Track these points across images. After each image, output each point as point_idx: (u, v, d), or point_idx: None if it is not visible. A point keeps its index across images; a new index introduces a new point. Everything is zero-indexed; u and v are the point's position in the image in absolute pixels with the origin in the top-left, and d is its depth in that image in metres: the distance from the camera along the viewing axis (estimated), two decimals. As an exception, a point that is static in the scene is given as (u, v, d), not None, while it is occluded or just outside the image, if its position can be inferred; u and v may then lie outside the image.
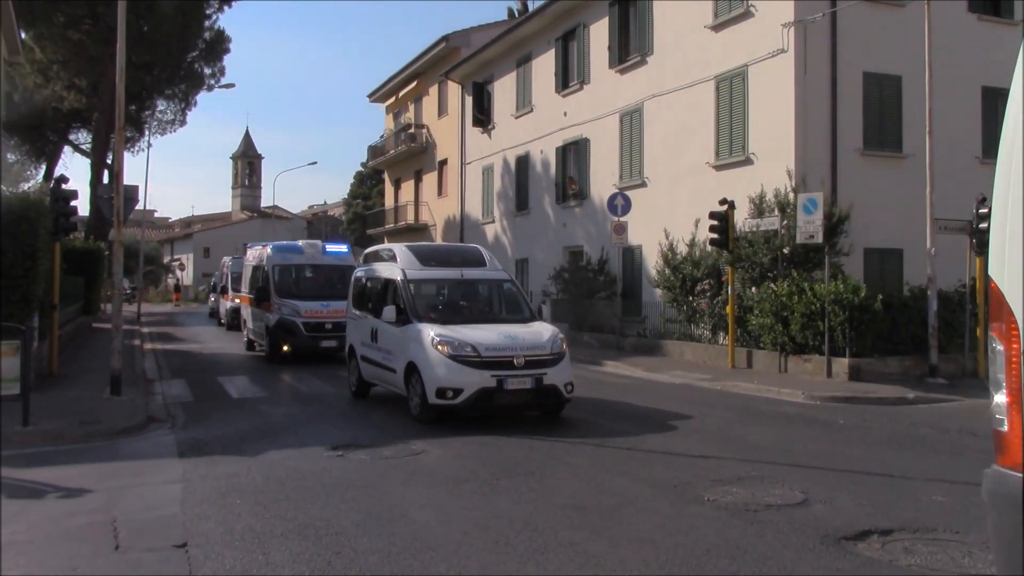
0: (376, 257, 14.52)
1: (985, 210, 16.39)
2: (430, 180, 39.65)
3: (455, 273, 13.00)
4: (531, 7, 36.15)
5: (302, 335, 19.01)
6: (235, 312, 28.62)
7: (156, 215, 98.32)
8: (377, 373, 13.16)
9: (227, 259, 34.88)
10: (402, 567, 5.74)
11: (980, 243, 16.48)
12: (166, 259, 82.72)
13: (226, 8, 34.96)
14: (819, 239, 15.91)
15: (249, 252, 24.15)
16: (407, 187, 42.65)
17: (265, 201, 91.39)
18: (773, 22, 18.72)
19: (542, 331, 11.86)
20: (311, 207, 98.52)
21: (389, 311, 12.05)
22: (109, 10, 24.33)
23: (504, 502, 7.47)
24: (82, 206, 25.98)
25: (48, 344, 15.75)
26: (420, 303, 12.31)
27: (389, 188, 46.04)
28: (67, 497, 7.69)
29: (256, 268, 22.23)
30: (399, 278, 12.58)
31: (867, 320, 15.56)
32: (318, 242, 22.30)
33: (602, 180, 25.44)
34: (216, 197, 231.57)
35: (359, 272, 14.93)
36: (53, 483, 8.13)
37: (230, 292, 31.06)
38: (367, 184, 66.81)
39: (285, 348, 19.12)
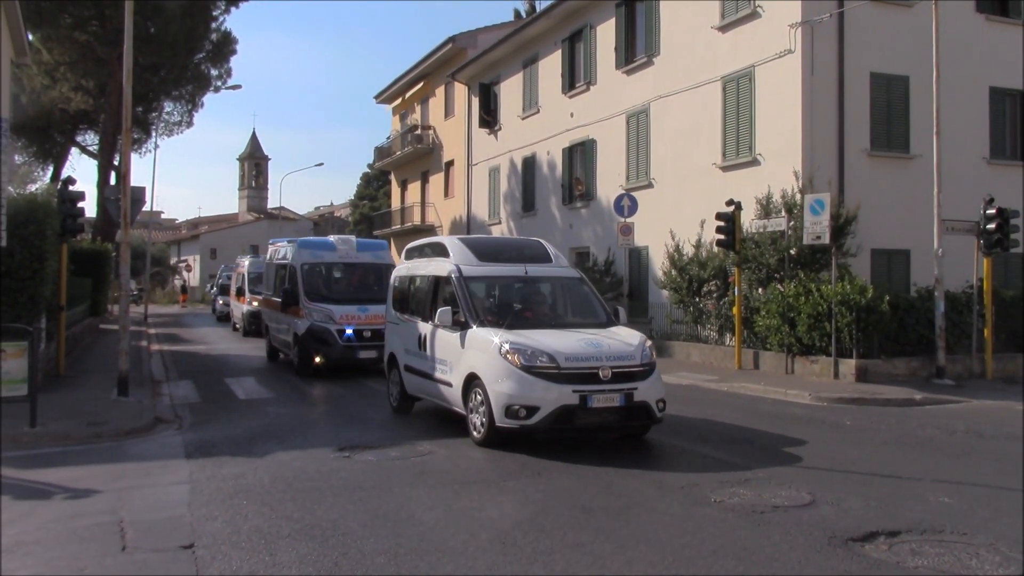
0: (421, 252, 12.98)
1: (992, 211, 16.36)
2: (436, 181, 39.68)
3: (517, 270, 11.40)
4: (539, 8, 36.17)
5: (336, 345, 16.65)
6: (253, 317, 26.83)
7: (163, 216, 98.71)
8: (425, 386, 11.61)
9: (244, 258, 32.27)
10: (409, 568, 5.74)
11: (987, 244, 16.45)
12: (173, 260, 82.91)
13: (233, 9, 35.03)
14: (826, 240, 15.87)
15: (272, 249, 22.02)
16: (413, 188, 42.69)
17: (272, 202, 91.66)
18: (780, 23, 18.70)
19: (628, 337, 10.21)
20: (317, 208, 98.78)
21: (444, 314, 10.49)
22: (116, 12, 24.45)
23: (511, 503, 7.46)
24: (89, 207, 26.04)
25: (55, 345, 15.80)
26: (479, 304, 10.75)
27: (396, 189, 46.09)
28: (74, 498, 7.70)
29: (281, 267, 19.83)
30: (453, 276, 11.03)
31: (874, 321, 15.52)
32: (351, 237, 19.91)
33: (609, 181, 25.43)
34: (223, 198, 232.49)
35: (400, 270, 13.28)
36: (60, 484, 8.15)
37: (247, 294, 28.61)
38: (373, 185, 66.89)
39: (317, 360, 16.93)
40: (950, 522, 6.87)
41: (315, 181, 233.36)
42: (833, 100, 18.55)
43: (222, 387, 15.67)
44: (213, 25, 34.50)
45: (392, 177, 47.06)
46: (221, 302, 38.68)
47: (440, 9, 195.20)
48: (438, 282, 11.52)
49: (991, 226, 16.33)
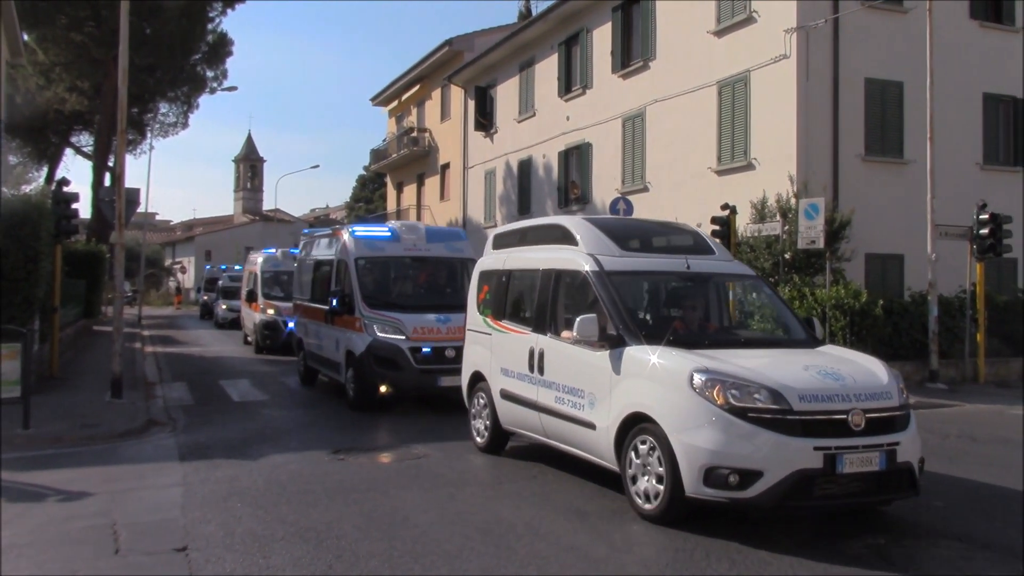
0: (523, 238, 9.92)
1: (986, 216, 16.43)
2: (432, 184, 39.68)
3: (676, 263, 8.46)
4: (535, 12, 36.22)
5: (410, 368, 12.51)
6: (270, 328, 22.01)
7: (158, 218, 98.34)
8: (534, 420, 8.74)
9: (258, 255, 25.35)
10: (403, 571, 5.74)
11: (981, 249, 16.51)
12: (167, 262, 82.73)
13: (229, 11, 35.01)
14: (820, 244, 15.91)
15: (305, 241, 17.89)
16: (409, 191, 42.70)
17: (267, 204, 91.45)
18: (776, 28, 18.74)
19: (866, 363, 7.37)
20: (313, 210, 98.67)
21: (588, 324, 7.52)
22: (112, 12, 24.44)
23: (506, 506, 7.47)
24: (84, 209, 26.12)
25: (49, 347, 15.76)
26: (630, 312, 7.84)
27: (391, 192, 46.08)
28: (68, 500, 7.69)
29: (322, 264, 15.72)
30: (589, 270, 8.09)
31: (868, 325, 15.57)
32: (418, 224, 15.86)
33: (604, 184, 25.45)
34: (218, 200, 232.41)
35: (488, 263, 10.37)
36: (54, 486, 8.13)
37: (261, 300, 22.74)
38: (369, 188, 66.94)
39: (383, 389, 12.84)
40: (942, 525, 6.90)
41: (311, 183, 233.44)
42: (828, 105, 18.59)
43: (216, 389, 15.63)
44: (209, 27, 34.48)
45: (388, 180, 47.06)
46: (224, 307, 33.54)
47: (437, 12, 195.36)
48: (559, 279, 8.65)
49: (984, 231, 16.40)
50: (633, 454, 7.07)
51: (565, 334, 8.22)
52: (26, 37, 27.01)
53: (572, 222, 8.99)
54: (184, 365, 20.01)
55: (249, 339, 24.62)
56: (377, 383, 12.80)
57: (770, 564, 5.93)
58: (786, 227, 17.24)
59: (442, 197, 38.47)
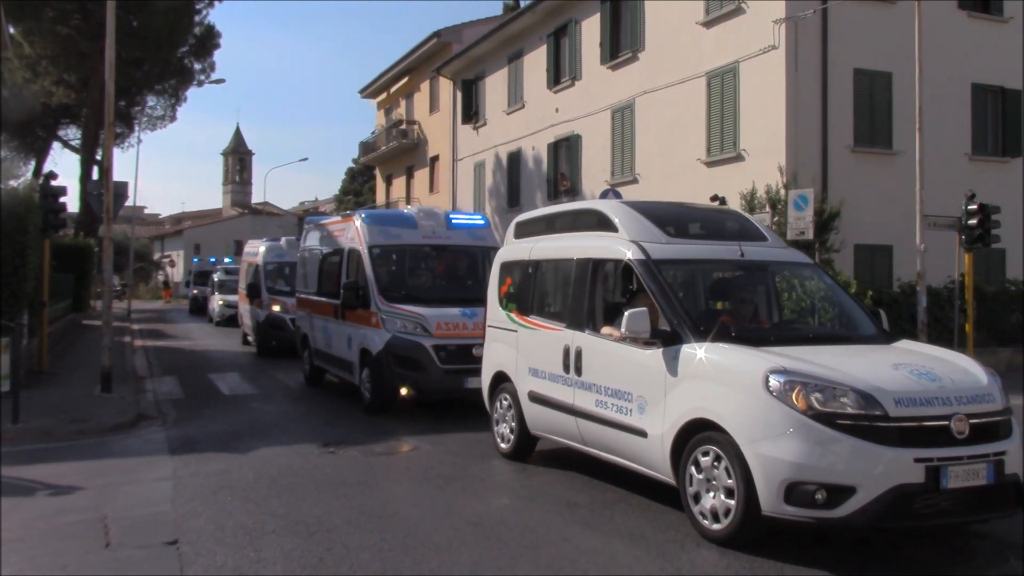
0: (550, 225, 9.11)
1: (974, 206, 16.49)
2: (422, 176, 39.61)
3: (728, 250, 7.68)
4: (523, 3, 36.14)
5: (434, 368, 11.38)
6: (274, 326, 19.72)
7: (146, 211, 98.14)
8: (571, 427, 7.93)
9: (258, 244, 22.79)
10: (394, 564, 5.75)
11: (969, 239, 16.57)
12: (156, 256, 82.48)
13: (216, 3, 35.00)
14: (810, 235, 15.94)
15: (308, 230, 16.47)
16: (399, 183, 42.61)
17: (256, 197, 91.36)
18: (764, 19, 18.74)
19: (960, 362, 6.57)
20: (302, 203, 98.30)
21: (638, 319, 6.70)
22: (98, 5, 24.24)
23: (496, 498, 7.49)
24: (71, 202, 25.93)
25: (38, 341, 15.70)
26: (684, 305, 7.08)
27: (380, 184, 45.98)
28: (57, 494, 7.67)
29: (330, 254, 14.52)
30: (634, 259, 7.29)
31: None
32: (437, 209, 14.53)
33: (594, 176, 25.44)
34: (207, 193, 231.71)
35: (511, 253, 9.52)
36: (43, 480, 8.11)
37: (265, 295, 20.43)
38: (358, 180, 66.73)
39: (404, 391, 11.59)
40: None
41: (299, 176, 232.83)
42: (817, 96, 18.63)
43: (206, 383, 15.60)
44: (196, 19, 34.36)
45: (377, 172, 46.94)
46: (221, 302, 30.55)
47: (425, 4, 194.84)
48: (596, 270, 7.86)
49: (973, 222, 16.45)
50: (694, 467, 6.26)
51: (606, 330, 7.49)
52: (12, 30, 26.85)
53: (610, 206, 8.14)
54: (174, 359, 19.96)
55: (250, 339, 22.21)
56: (397, 385, 11.53)
57: (763, 566, 5.93)
58: (775, 218, 17.27)
59: (431, 190, 38.41)
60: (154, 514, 7.01)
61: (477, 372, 10.22)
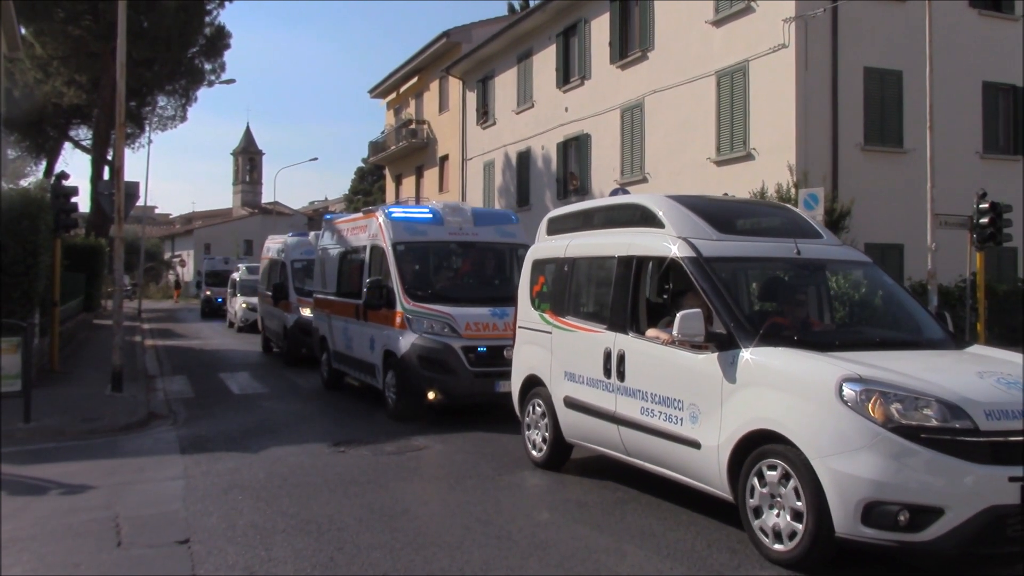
0: (587, 221, 8.62)
1: (985, 205, 16.42)
2: (431, 176, 39.63)
3: (784, 248, 7.16)
4: (532, 3, 36.13)
5: (464, 371, 10.85)
6: (306, 331, 17.12)
7: (157, 211, 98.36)
8: (612, 436, 7.46)
9: (280, 239, 21.29)
10: (404, 562, 5.75)
11: (980, 238, 16.49)
12: (167, 255, 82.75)
13: (227, 3, 35.03)
14: (820, 234, 15.87)
15: (327, 229, 15.58)
16: (408, 183, 42.64)
17: (266, 197, 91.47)
18: (774, 17, 18.69)
19: None
20: (312, 203, 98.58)
21: (691, 320, 6.24)
22: (109, 6, 24.33)
23: (506, 497, 7.48)
24: (83, 202, 26.06)
25: (49, 341, 15.76)
26: (741, 306, 6.69)
27: (390, 184, 46.01)
28: (69, 493, 7.70)
29: (350, 252, 13.92)
30: (683, 257, 6.83)
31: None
32: (463, 205, 13.88)
33: (603, 176, 25.41)
34: (216, 193, 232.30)
35: (544, 250, 9.08)
36: (55, 479, 8.14)
37: (293, 296, 18.66)
38: (368, 180, 66.92)
39: (432, 396, 10.99)
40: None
41: (309, 176, 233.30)
42: (827, 95, 18.57)
43: (216, 382, 15.64)
44: (207, 19, 34.44)
45: (387, 172, 46.97)
46: (244, 305, 27.54)
47: (434, 3, 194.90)
48: (641, 268, 7.37)
49: (984, 220, 16.37)
50: (756, 481, 5.78)
51: (651, 332, 7.04)
52: (23, 31, 26.96)
53: (655, 200, 7.57)
54: (184, 358, 20.02)
55: (274, 346, 20.43)
56: (424, 389, 10.94)
57: (769, 564, 5.92)
58: (785, 217, 17.20)
59: (441, 189, 38.43)
60: (165, 513, 7.03)
61: (509, 375, 9.71)
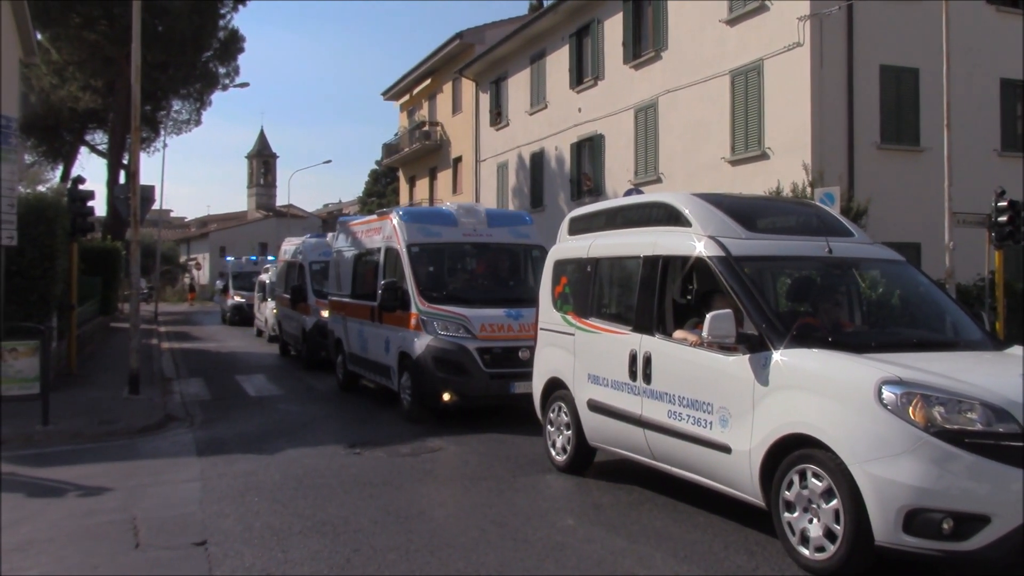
0: (611, 221, 8.39)
1: (1004, 203, 16.29)
2: (445, 178, 39.67)
3: (815, 247, 6.98)
4: (545, 3, 36.09)
5: (479, 372, 10.85)
6: (322, 333, 16.70)
7: (172, 215, 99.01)
8: (638, 440, 7.29)
9: (296, 241, 21.29)
10: (420, 564, 5.74)
11: (999, 236, 16.36)
12: (182, 258, 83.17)
13: (240, 7, 35.12)
14: (836, 234, 15.77)
15: (341, 231, 15.56)
16: (422, 185, 42.70)
17: (280, 200, 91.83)
18: (789, 16, 18.60)
19: None
20: (326, 205, 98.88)
21: (722, 321, 6.05)
22: (124, 11, 24.47)
23: (522, 499, 7.46)
24: (99, 206, 26.08)
25: (67, 344, 15.86)
26: (772, 307, 6.52)
27: (404, 186, 46.09)
28: (87, 496, 7.73)
29: (364, 254, 13.94)
30: (711, 256, 6.65)
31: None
32: (477, 206, 13.94)
33: (617, 176, 25.36)
34: (231, 196, 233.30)
35: (566, 250, 8.92)
36: (73, 482, 8.18)
37: (312, 298, 18.32)
38: (382, 182, 67.04)
39: (447, 397, 10.98)
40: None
41: (323, 178, 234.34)
42: (842, 93, 18.46)
43: (232, 384, 15.70)
44: (221, 23, 34.57)
45: (400, 174, 47.08)
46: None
47: (447, 5, 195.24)
48: (667, 268, 7.21)
49: (1002, 219, 16.22)
50: (791, 488, 5.61)
51: (679, 334, 6.87)
52: (39, 36, 27.14)
53: (681, 199, 7.34)
54: (200, 361, 20.10)
55: (292, 349, 20.27)
56: (439, 390, 10.92)
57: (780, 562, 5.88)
58: (801, 217, 17.12)
59: (455, 191, 38.46)
60: (182, 515, 7.05)
61: (524, 376, 9.73)
